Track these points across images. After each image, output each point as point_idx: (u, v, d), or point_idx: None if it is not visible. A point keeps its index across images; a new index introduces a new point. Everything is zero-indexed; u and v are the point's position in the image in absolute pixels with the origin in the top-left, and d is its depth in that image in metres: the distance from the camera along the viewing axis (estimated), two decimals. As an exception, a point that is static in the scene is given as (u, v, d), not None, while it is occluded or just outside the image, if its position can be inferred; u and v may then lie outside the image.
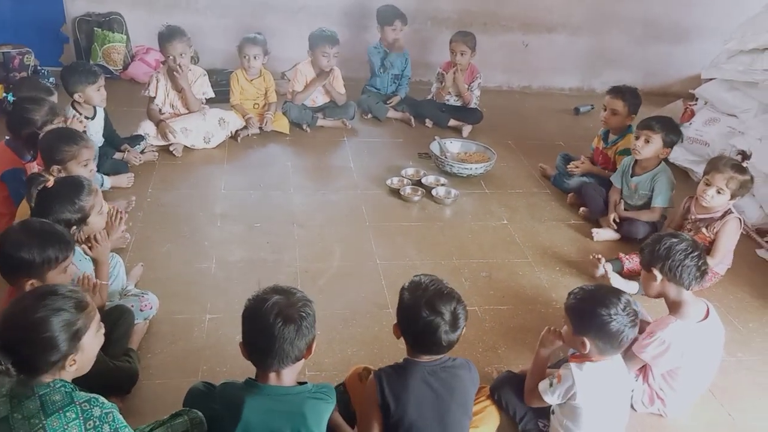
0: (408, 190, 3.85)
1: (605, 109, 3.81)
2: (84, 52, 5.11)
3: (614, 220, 3.54)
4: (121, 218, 2.67)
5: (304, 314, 1.72)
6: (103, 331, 1.73)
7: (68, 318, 1.57)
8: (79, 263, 2.30)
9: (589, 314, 1.98)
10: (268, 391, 1.74)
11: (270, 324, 1.67)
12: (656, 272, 2.29)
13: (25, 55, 4.43)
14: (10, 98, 4.16)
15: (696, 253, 2.26)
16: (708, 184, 3.01)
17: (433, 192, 3.85)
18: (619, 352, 2.06)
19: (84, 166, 2.75)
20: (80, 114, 3.54)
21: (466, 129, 4.82)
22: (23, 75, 4.39)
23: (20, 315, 1.55)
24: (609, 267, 3.05)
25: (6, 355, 1.49)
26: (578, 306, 2.04)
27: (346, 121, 4.73)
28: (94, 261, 2.38)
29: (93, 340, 1.66)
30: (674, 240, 2.29)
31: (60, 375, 1.58)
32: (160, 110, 4.15)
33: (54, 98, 3.30)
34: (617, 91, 3.77)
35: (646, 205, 3.51)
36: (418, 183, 3.97)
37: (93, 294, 2.17)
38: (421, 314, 1.81)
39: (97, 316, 1.69)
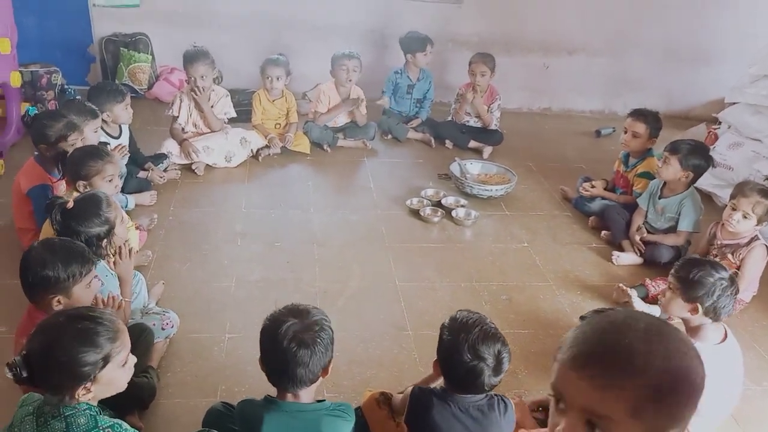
0: (428, 211, 3.84)
1: (626, 132, 3.78)
2: (110, 72, 5.20)
3: (640, 239, 3.50)
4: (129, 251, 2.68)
5: (319, 339, 1.71)
6: (132, 362, 1.71)
7: (94, 341, 1.56)
8: (105, 279, 2.31)
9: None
10: (287, 407, 1.75)
11: (284, 348, 1.67)
12: (700, 308, 2.24)
13: (53, 74, 4.52)
14: (31, 111, 4.25)
15: (734, 289, 2.24)
16: (734, 209, 2.98)
17: (453, 213, 3.84)
18: None
19: (109, 182, 2.78)
20: (110, 135, 3.60)
21: (487, 150, 4.82)
22: (50, 94, 4.47)
23: (48, 330, 1.56)
24: (633, 293, 3.01)
25: (24, 366, 1.51)
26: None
27: (367, 141, 4.76)
28: (119, 278, 2.40)
29: (117, 370, 1.64)
30: (724, 281, 2.22)
31: (77, 400, 1.57)
32: (183, 129, 4.20)
33: (98, 121, 3.34)
34: (639, 114, 3.75)
35: (672, 229, 3.47)
36: (438, 204, 3.96)
37: (117, 310, 2.19)
38: (463, 358, 1.76)
39: (127, 348, 1.67)
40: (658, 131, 3.74)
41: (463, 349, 1.77)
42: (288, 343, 1.67)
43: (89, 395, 1.58)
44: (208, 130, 4.26)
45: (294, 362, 1.68)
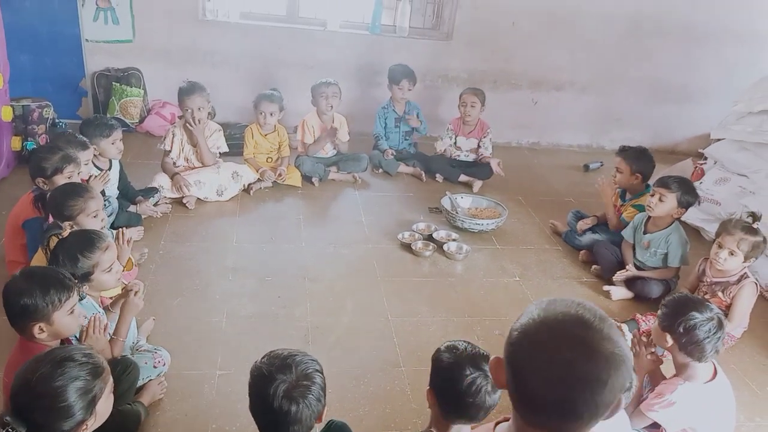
0: (419, 244, 3.85)
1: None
2: (102, 106, 5.21)
3: (619, 279, 3.55)
4: (129, 239, 2.80)
5: (311, 394, 1.68)
6: (112, 390, 1.73)
7: (85, 385, 1.58)
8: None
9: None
10: None
11: (276, 409, 1.65)
12: (669, 338, 2.26)
13: (44, 108, 4.51)
14: (29, 146, 4.25)
15: (718, 335, 2.20)
16: (720, 247, 3.01)
17: (445, 247, 3.85)
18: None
19: (94, 217, 2.74)
20: (100, 169, 3.59)
21: (477, 184, 4.85)
22: (42, 128, 4.46)
23: (37, 382, 1.54)
24: (625, 328, 3.01)
25: (20, 421, 1.48)
26: None
27: (356, 175, 4.78)
28: (121, 316, 2.39)
29: (106, 403, 1.67)
30: (699, 319, 2.20)
31: None
32: (174, 164, 4.21)
33: (89, 152, 3.35)
34: (621, 150, 3.88)
35: (659, 265, 3.51)
36: (429, 238, 3.97)
37: (103, 334, 2.18)
38: (464, 373, 1.78)
39: (110, 380, 1.69)
40: (642, 167, 3.79)
41: (464, 364, 1.80)
42: (279, 404, 1.64)
43: (87, 431, 1.60)
44: (200, 165, 4.27)
45: (286, 422, 1.66)
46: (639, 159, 3.79)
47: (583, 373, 1.05)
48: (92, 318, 2.19)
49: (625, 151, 3.82)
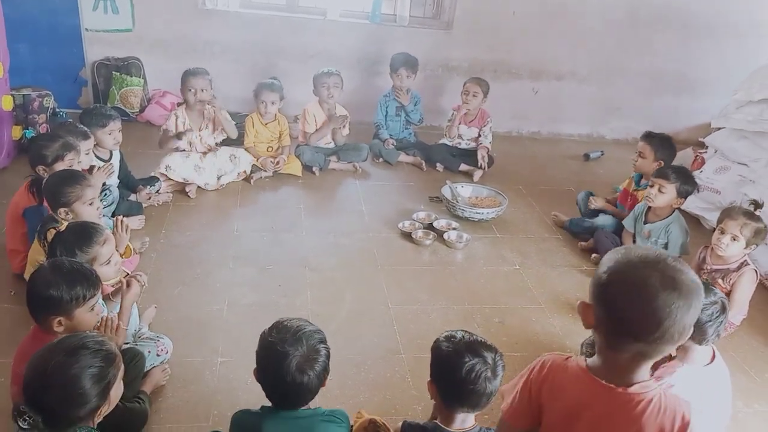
0: (420, 233, 3.85)
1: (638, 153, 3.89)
2: (102, 95, 5.21)
3: None
4: (127, 226, 2.82)
5: (319, 365, 1.77)
6: (122, 375, 1.75)
7: (99, 372, 1.60)
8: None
9: None
10: (284, 415, 1.82)
11: (289, 382, 1.73)
12: None
13: (45, 97, 4.51)
14: (28, 134, 4.25)
15: (720, 319, 2.20)
16: (722, 232, 3.02)
17: (445, 236, 3.86)
18: None
19: (90, 205, 2.74)
20: (100, 158, 3.60)
21: (477, 174, 4.85)
22: (42, 117, 4.47)
23: (52, 372, 1.55)
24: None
25: (36, 410, 1.50)
26: None
27: (357, 164, 4.78)
28: (121, 306, 2.40)
29: (118, 388, 1.69)
30: (703, 302, 2.22)
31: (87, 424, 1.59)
32: (178, 149, 4.21)
33: (90, 142, 3.36)
34: (647, 136, 3.85)
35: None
36: (429, 227, 3.98)
37: (115, 335, 2.19)
38: (463, 359, 1.80)
39: (122, 365, 1.72)
40: (664, 154, 3.77)
41: (463, 351, 1.83)
42: (292, 377, 1.72)
43: (100, 417, 1.64)
44: (204, 150, 4.29)
45: (297, 391, 1.75)
46: (664, 146, 3.77)
47: (671, 298, 1.30)
48: (104, 318, 2.20)
49: (651, 137, 3.80)
